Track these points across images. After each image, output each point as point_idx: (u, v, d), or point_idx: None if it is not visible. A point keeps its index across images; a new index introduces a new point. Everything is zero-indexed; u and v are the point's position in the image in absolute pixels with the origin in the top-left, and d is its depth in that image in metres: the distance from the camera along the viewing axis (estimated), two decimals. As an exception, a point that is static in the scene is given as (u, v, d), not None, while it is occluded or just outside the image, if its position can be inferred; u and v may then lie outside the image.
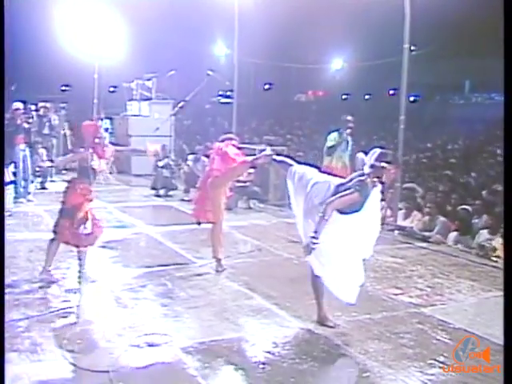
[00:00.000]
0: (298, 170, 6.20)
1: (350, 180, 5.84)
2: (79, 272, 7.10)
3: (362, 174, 5.76)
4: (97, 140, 7.21)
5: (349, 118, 10.34)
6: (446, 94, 39.35)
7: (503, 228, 3.46)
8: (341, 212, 5.70)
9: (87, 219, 6.92)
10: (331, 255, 5.76)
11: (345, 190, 5.68)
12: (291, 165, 6.37)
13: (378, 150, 5.87)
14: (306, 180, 6.01)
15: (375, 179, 5.70)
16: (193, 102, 18.31)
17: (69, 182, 7.24)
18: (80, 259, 7.08)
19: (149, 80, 17.97)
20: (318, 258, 5.79)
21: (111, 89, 23.29)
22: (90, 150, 7.14)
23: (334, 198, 5.66)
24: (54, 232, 7.03)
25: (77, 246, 7.04)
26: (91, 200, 7.10)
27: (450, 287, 7.46)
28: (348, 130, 10.30)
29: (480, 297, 7.19)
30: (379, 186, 5.78)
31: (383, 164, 5.67)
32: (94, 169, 7.15)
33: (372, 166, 5.71)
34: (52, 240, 7.04)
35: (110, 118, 19.30)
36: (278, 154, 7.07)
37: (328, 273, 5.81)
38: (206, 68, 17.99)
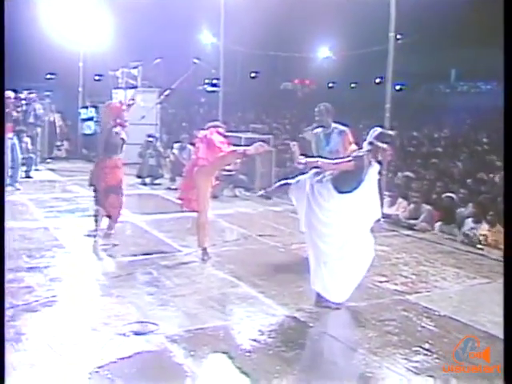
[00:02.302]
0: (294, 181, 6.25)
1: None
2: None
3: (360, 148, 5.93)
4: (118, 120, 8.20)
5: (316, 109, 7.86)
6: (432, 83, 39.45)
7: (504, 225, 3.48)
8: (339, 191, 5.77)
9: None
10: (331, 237, 5.84)
11: None
12: (287, 183, 6.40)
13: (378, 129, 5.99)
14: (303, 180, 6.08)
15: (372, 158, 5.79)
16: (179, 90, 18.21)
17: (99, 161, 8.22)
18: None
19: (134, 68, 17.81)
20: (318, 244, 5.87)
21: (96, 77, 23.13)
22: (118, 128, 8.17)
23: (333, 161, 5.93)
24: (101, 207, 8.16)
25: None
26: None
27: (435, 275, 7.49)
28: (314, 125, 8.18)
29: (465, 284, 7.23)
30: (377, 167, 5.87)
31: (380, 144, 5.77)
32: (122, 141, 8.22)
33: (370, 143, 5.84)
34: (97, 215, 8.22)
35: (96, 107, 19.17)
36: (262, 141, 7.06)
37: (327, 258, 5.87)
38: (192, 56, 17.90)
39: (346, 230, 5.86)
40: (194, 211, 7.81)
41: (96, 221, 8.33)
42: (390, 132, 6.04)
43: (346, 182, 5.78)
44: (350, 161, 5.81)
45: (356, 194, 5.82)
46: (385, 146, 5.81)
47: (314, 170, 6.00)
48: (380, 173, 6.17)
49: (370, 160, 5.83)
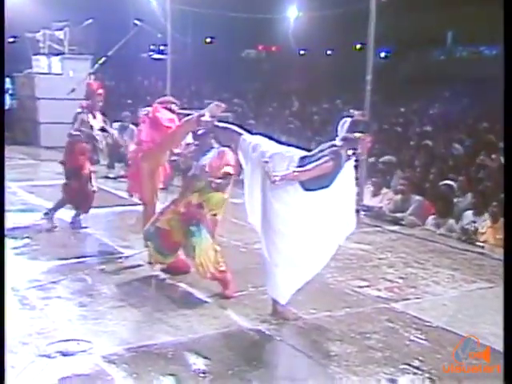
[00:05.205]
0: (251, 140, 6.22)
1: (320, 151, 5.95)
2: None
3: (333, 145, 5.89)
4: (89, 102, 9.16)
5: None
6: (423, 49, 39.65)
7: (504, 222, 3.55)
8: (305, 188, 5.79)
9: (91, 178, 9.12)
10: (291, 239, 5.86)
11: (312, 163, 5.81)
12: (241, 133, 6.36)
13: (348, 120, 6.01)
14: (261, 151, 6.05)
15: (350, 152, 5.83)
16: (117, 58, 18.10)
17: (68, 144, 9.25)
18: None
19: (59, 30, 17.61)
20: (275, 243, 5.90)
21: (11, 39, 22.69)
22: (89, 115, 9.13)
23: (309, 166, 5.79)
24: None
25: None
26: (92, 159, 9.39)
27: (426, 278, 7.60)
28: None
29: (462, 289, 7.35)
30: (352, 161, 5.92)
31: (357, 134, 5.83)
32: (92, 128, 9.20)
33: (345, 139, 5.87)
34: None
35: (11, 77, 18.78)
36: (220, 121, 6.93)
37: (282, 261, 5.89)
38: (133, 17, 17.77)
39: (306, 233, 5.88)
40: (141, 200, 7.84)
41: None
42: (363, 118, 6.10)
43: (315, 180, 5.79)
44: (327, 161, 5.78)
45: (325, 193, 5.83)
46: (361, 135, 5.87)
47: (277, 157, 6.00)
48: (356, 167, 6.24)
49: (349, 156, 5.87)
